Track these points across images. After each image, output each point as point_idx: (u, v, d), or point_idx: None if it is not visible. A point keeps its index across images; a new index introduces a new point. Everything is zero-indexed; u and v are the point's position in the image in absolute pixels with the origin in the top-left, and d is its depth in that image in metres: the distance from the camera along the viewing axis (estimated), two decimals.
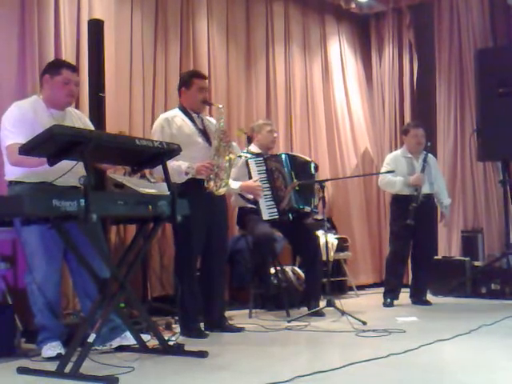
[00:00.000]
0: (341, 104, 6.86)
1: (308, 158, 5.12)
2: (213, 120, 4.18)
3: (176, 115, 4.01)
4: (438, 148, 6.45)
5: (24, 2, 4.32)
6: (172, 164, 3.78)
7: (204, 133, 4.02)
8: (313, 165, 4.96)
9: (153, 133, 4.00)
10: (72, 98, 3.46)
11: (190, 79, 4.05)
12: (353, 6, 6.88)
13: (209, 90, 5.50)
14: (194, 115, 4.05)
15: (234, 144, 4.11)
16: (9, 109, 3.33)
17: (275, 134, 4.96)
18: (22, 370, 2.91)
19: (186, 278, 3.89)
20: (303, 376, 2.69)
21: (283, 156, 4.79)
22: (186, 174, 3.82)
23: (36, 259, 3.27)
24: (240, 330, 4.04)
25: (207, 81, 4.15)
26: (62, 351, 3.18)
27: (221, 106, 4.02)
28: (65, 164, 2.93)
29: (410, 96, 6.85)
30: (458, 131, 6.42)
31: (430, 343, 3.40)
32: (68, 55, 4.45)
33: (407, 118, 6.74)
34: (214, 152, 3.89)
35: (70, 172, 2.96)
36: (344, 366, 2.87)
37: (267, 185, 4.65)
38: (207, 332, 3.92)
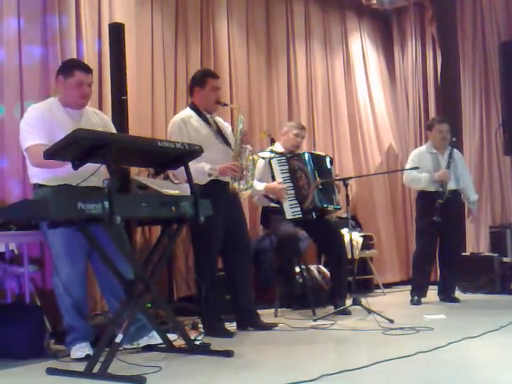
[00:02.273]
0: (364, 101, 6.82)
1: (322, 153, 5.08)
2: (221, 119, 4.18)
3: (191, 115, 3.99)
4: (464, 143, 6.37)
5: (46, 7, 4.38)
6: (195, 165, 3.80)
7: (220, 134, 4.01)
8: (328, 159, 4.92)
9: (170, 133, 3.96)
10: (86, 100, 3.44)
11: (204, 78, 4.02)
12: (374, 1, 6.81)
13: (230, 90, 5.56)
14: (208, 116, 4.04)
15: (249, 146, 4.09)
16: (26, 112, 3.37)
17: (299, 139, 4.92)
18: (52, 371, 2.94)
19: (208, 279, 3.90)
20: (330, 374, 2.68)
21: (306, 155, 4.77)
22: (209, 175, 3.83)
23: (60, 261, 3.31)
24: (273, 326, 4.05)
25: (220, 80, 4.13)
26: (91, 352, 3.21)
27: (235, 106, 4.00)
28: (87, 166, 2.95)
29: (434, 91, 6.77)
30: (483, 125, 6.33)
31: (458, 341, 3.35)
32: (90, 59, 4.49)
33: (432, 113, 6.65)
34: (235, 154, 3.89)
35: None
36: (371, 365, 2.85)
37: (290, 184, 4.64)
38: (233, 331, 3.93)
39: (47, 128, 3.21)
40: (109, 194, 2.75)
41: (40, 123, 3.24)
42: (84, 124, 3.30)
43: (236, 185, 3.86)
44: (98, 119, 3.51)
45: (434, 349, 3.15)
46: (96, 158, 2.89)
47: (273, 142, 4.51)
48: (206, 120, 4.01)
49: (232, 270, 4.02)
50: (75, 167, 2.90)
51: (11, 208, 2.93)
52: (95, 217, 2.77)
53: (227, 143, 3.97)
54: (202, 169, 3.81)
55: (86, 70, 3.44)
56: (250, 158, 3.90)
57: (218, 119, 4.17)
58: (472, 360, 3.11)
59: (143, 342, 3.46)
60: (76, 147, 2.84)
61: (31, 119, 3.28)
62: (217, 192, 3.79)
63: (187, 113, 4.03)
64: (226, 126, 4.13)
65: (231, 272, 4.02)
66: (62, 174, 3.17)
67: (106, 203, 2.75)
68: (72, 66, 3.43)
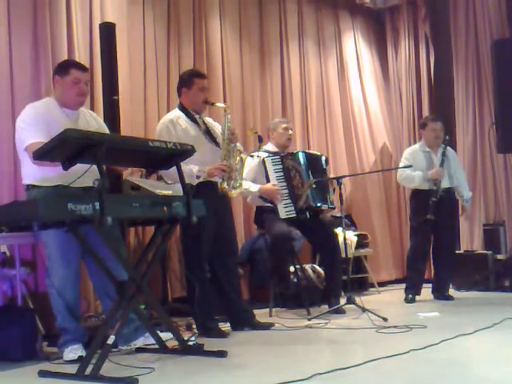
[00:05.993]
0: (357, 100, 6.82)
1: (318, 153, 5.07)
2: (210, 119, 4.17)
3: (179, 116, 3.97)
4: (458, 141, 6.38)
5: (36, 6, 4.35)
6: (184, 167, 3.76)
7: (209, 134, 3.99)
8: (323, 158, 4.91)
9: (158, 134, 3.92)
10: (83, 97, 3.45)
11: (191, 79, 4.01)
12: (367, 0, 6.81)
13: (223, 90, 5.54)
14: (196, 116, 4.02)
15: (239, 144, 4.08)
16: (23, 111, 3.35)
17: (290, 132, 4.92)
18: (43, 374, 2.93)
19: (200, 279, 3.88)
20: (323, 373, 2.67)
21: (300, 154, 4.76)
22: (198, 177, 3.81)
23: (53, 262, 3.30)
24: (270, 326, 4.04)
25: (207, 80, 4.14)
26: (83, 354, 3.19)
27: (222, 104, 3.99)
28: (80, 166, 2.93)
29: (427, 89, 6.78)
30: (476, 123, 6.33)
31: (451, 338, 3.35)
32: (81, 59, 4.46)
33: (425, 112, 6.67)
34: (224, 153, 3.87)
35: (86, 173, 2.95)
36: (364, 363, 2.84)
37: (284, 183, 4.63)
38: (227, 331, 3.92)
39: (46, 126, 3.19)
40: (99, 194, 2.74)
41: (38, 121, 3.23)
42: (81, 125, 3.31)
43: (225, 184, 3.85)
44: (94, 121, 3.50)
45: (427, 346, 3.15)
46: (86, 158, 2.87)
47: (260, 139, 4.50)
48: (194, 120, 3.99)
49: (219, 271, 3.99)
50: (65, 168, 2.89)
51: (1, 209, 2.91)
52: (86, 218, 2.75)
53: (216, 143, 3.96)
54: (190, 171, 3.77)
55: (82, 68, 3.47)
56: (238, 157, 3.88)
57: (208, 119, 4.16)
58: (465, 357, 3.11)
59: (139, 342, 3.45)
60: (66, 147, 2.82)
61: (30, 117, 3.27)
62: (207, 193, 3.76)
63: (176, 114, 4.01)
64: (216, 126, 4.12)
65: (218, 274, 4.00)
66: (54, 174, 3.15)
67: (97, 204, 2.73)
68: (68, 65, 3.46)
